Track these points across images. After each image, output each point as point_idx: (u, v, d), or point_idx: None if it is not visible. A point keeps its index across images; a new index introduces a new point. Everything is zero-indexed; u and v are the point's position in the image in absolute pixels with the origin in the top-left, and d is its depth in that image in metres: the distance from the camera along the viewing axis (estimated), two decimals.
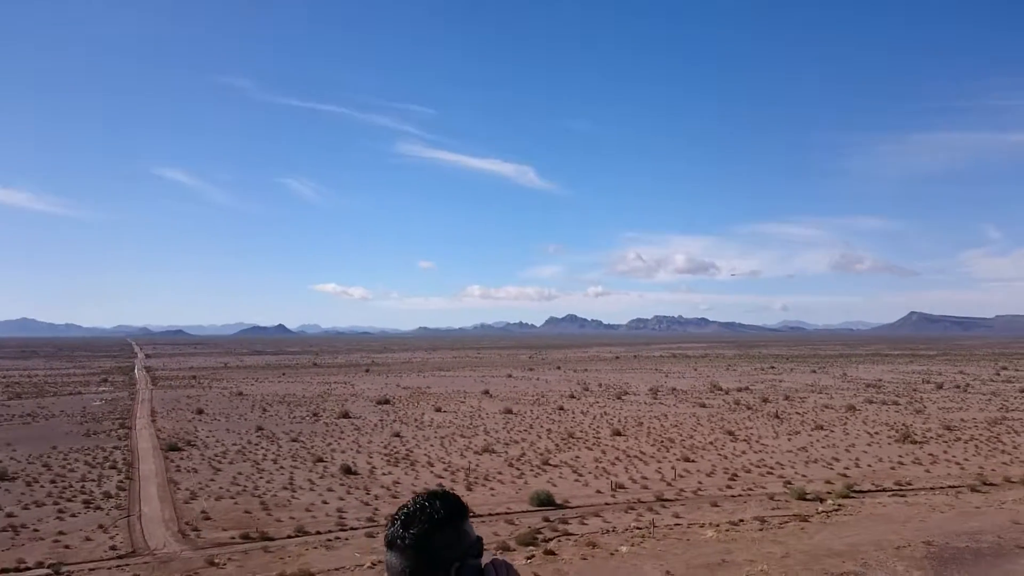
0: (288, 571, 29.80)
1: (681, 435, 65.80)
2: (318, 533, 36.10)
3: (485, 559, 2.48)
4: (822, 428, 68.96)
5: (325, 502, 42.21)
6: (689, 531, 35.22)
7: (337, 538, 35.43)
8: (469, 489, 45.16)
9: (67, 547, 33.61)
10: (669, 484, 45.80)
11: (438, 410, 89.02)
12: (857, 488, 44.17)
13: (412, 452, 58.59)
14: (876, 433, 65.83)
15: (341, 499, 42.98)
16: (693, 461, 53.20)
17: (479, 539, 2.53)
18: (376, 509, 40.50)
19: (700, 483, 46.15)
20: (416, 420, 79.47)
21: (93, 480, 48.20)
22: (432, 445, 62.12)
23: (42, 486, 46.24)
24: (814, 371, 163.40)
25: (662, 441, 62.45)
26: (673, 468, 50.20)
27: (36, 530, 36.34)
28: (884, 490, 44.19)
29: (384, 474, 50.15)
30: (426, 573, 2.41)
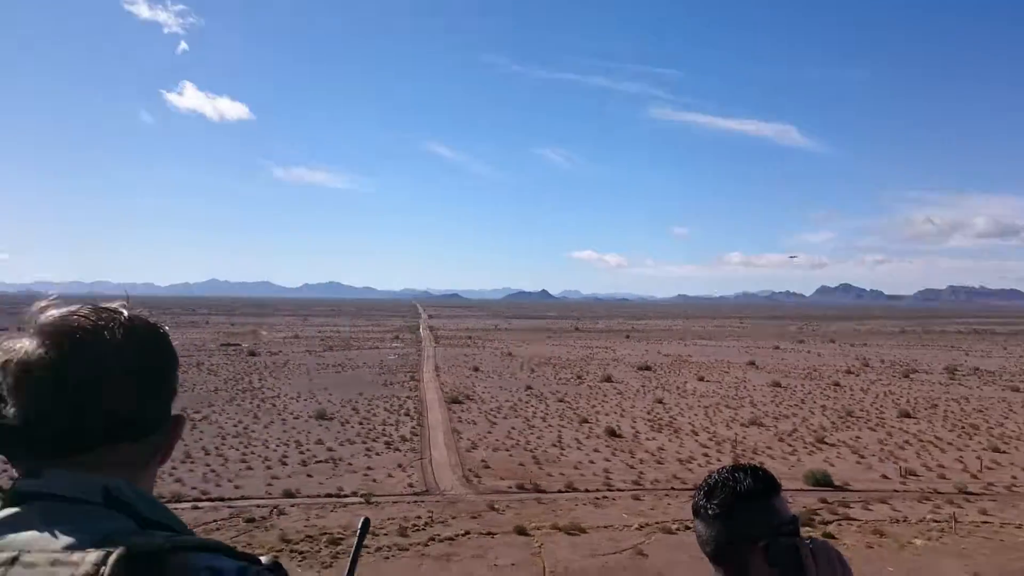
0: (560, 524, 31.41)
1: (988, 422, 57.42)
2: (586, 491, 37.50)
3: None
4: None
5: (592, 462, 43.66)
6: (1002, 531, 30.78)
7: (605, 497, 36.51)
8: (736, 462, 43.77)
9: (374, 480, 38.69)
10: (974, 476, 40.30)
11: (701, 379, 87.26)
12: None
13: (675, 419, 58.22)
14: None
15: (607, 460, 44.15)
16: (1004, 452, 46.22)
17: (795, 518, 2.40)
18: (641, 473, 41.00)
19: (1015, 478, 39.98)
20: (678, 388, 78.73)
21: (392, 425, 54.75)
22: (696, 414, 61.15)
23: (352, 427, 53.58)
24: None
25: (963, 427, 55.04)
26: (979, 458, 44.02)
27: (350, 464, 42.30)
28: None
29: (648, 439, 50.49)
30: (732, 546, 2.35)
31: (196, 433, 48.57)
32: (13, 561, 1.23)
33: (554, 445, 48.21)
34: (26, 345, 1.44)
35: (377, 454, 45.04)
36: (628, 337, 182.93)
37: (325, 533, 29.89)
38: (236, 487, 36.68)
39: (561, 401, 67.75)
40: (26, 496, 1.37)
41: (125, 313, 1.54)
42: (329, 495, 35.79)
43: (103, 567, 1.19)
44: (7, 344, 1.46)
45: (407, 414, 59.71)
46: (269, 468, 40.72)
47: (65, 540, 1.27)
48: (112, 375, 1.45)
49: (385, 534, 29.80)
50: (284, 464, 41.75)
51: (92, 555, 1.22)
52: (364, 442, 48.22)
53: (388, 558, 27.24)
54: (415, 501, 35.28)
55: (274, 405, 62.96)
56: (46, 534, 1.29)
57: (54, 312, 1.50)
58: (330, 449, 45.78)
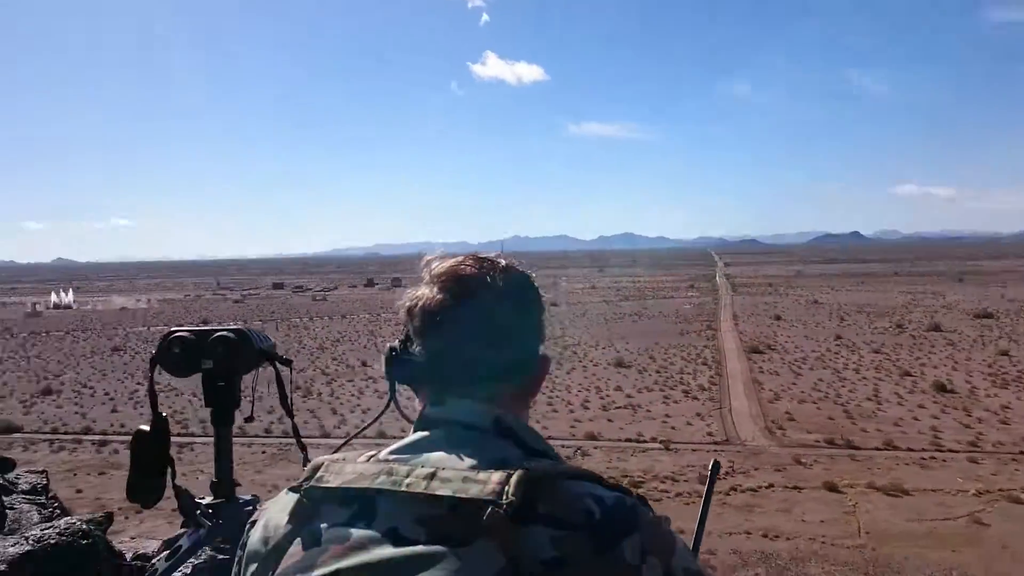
0: (878, 483, 28.91)
1: None
2: (909, 450, 33.91)
3: None
4: None
5: (916, 419, 39.24)
6: None
7: (932, 458, 32.72)
8: None
9: (672, 428, 39.06)
10: None
11: None
12: None
13: None
14: None
15: (935, 417, 39.35)
16: None
17: None
18: (980, 433, 35.92)
19: None
20: None
21: (689, 373, 54.49)
22: None
23: (649, 375, 54.37)
24: None
25: None
26: None
27: (648, 411, 43.14)
28: None
29: (988, 396, 43.87)
30: None
31: None
32: (432, 476, 1.39)
33: (869, 399, 44.17)
34: (427, 292, 1.61)
35: (675, 402, 45.29)
36: (961, 280, 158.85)
37: (626, 476, 30.97)
38: (544, 428, 39.54)
39: (877, 352, 61.51)
40: (432, 421, 1.57)
41: (502, 262, 1.67)
42: (629, 440, 37.00)
43: (507, 486, 1.31)
44: (411, 292, 1.66)
45: (704, 363, 58.88)
46: (572, 412, 43.19)
47: (469, 461, 1.42)
48: (497, 317, 1.59)
49: (685, 481, 30.08)
50: (586, 408, 43.96)
51: (496, 475, 1.35)
52: (662, 390, 48.73)
53: (688, 504, 27.46)
54: (715, 450, 34.89)
55: (575, 353, 66.19)
56: (453, 456, 1.45)
57: (444, 263, 1.67)
58: (628, 396, 47.07)
